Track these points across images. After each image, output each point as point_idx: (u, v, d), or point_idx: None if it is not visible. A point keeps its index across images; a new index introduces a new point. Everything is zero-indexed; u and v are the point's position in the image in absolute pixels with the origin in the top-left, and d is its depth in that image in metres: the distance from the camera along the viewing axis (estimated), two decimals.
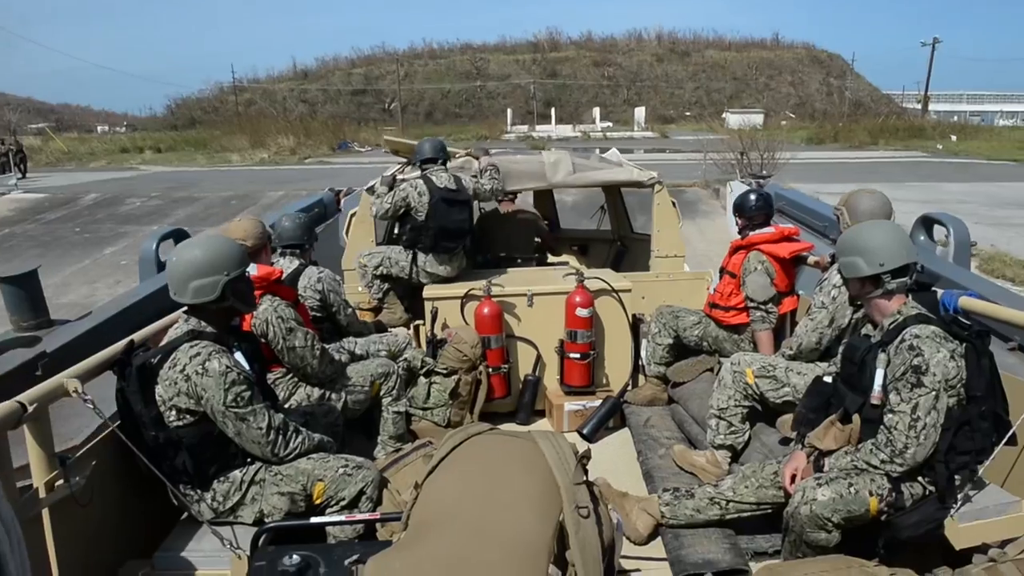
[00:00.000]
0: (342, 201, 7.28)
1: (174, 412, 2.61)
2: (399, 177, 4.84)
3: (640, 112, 62.93)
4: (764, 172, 18.54)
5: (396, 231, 5.09)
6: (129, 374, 2.62)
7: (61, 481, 2.37)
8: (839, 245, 2.83)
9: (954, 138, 40.97)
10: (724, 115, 58.18)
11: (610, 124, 60.15)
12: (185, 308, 2.78)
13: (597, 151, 6.32)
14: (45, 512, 2.32)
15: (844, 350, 2.90)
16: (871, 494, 2.60)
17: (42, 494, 2.29)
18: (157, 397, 2.61)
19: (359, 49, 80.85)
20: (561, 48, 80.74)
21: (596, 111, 64.59)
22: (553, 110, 64.44)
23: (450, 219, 4.65)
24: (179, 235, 4.88)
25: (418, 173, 4.79)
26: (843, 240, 2.80)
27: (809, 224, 5.87)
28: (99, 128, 71.65)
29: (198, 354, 2.59)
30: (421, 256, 4.73)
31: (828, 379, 2.99)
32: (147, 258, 4.70)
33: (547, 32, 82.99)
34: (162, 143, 46.53)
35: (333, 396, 3.58)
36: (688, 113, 71.16)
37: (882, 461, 2.58)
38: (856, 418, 2.74)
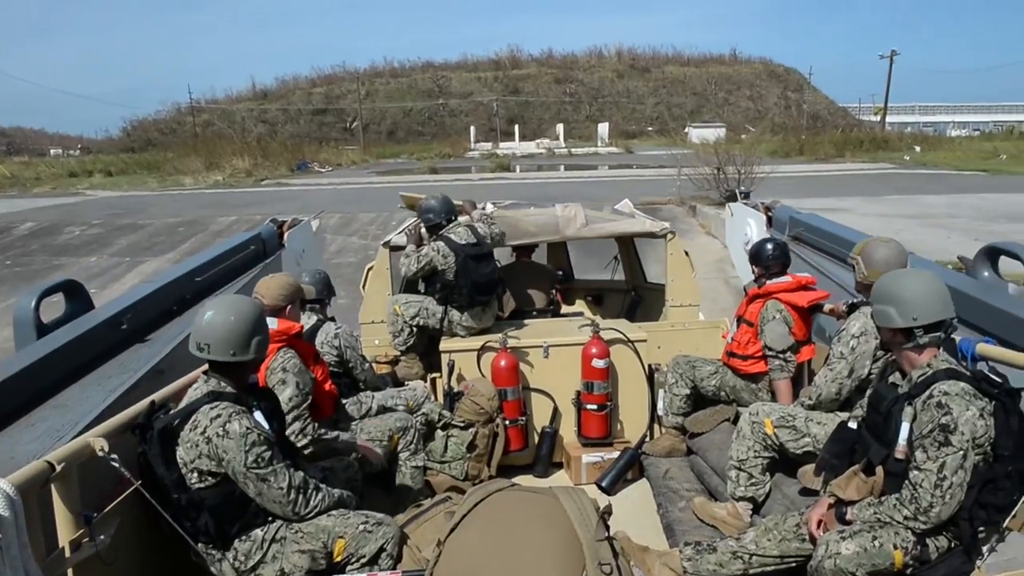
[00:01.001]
0: (286, 235, 6.23)
1: (196, 474, 2.63)
2: (422, 232, 4.89)
3: (604, 128, 63.20)
4: (742, 188, 17.84)
5: (422, 287, 5.09)
6: (151, 437, 2.64)
7: (87, 540, 2.38)
8: (875, 288, 2.79)
9: (918, 149, 41.44)
10: (687, 129, 58.38)
11: (571, 140, 59.81)
12: (205, 368, 2.82)
13: (608, 206, 6.18)
14: (70, 572, 2.32)
15: (870, 396, 2.88)
16: (896, 547, 2.59)
17: (68, 553, 2.31)
18: (179, 459, 2.63)
19: (319, 68, 79.79)
20: (522, 65, 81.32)
21: (560, 127, 64.71)
22: (516, 127, 64.51)
23: (479, 274, 4.67)
24: (70, 288, 4.32)
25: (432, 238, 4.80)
26: (879, 287, 2.76)
27: (830, 251, 5.44)
28: (52, 151, 69.39)
29: (219, 416, 2.61)
30: (456, 313, 4.73)
31: (853, 424, 2.99)
32: (24, 320, 3.86)
33: (508, 49, 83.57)
34: (113, 166, 44.70)
35: (356, 447, 3.60)
36: (650, 128, 71.86)
37: (906, 518, 2.58)
38: (879, 470, 2.73)
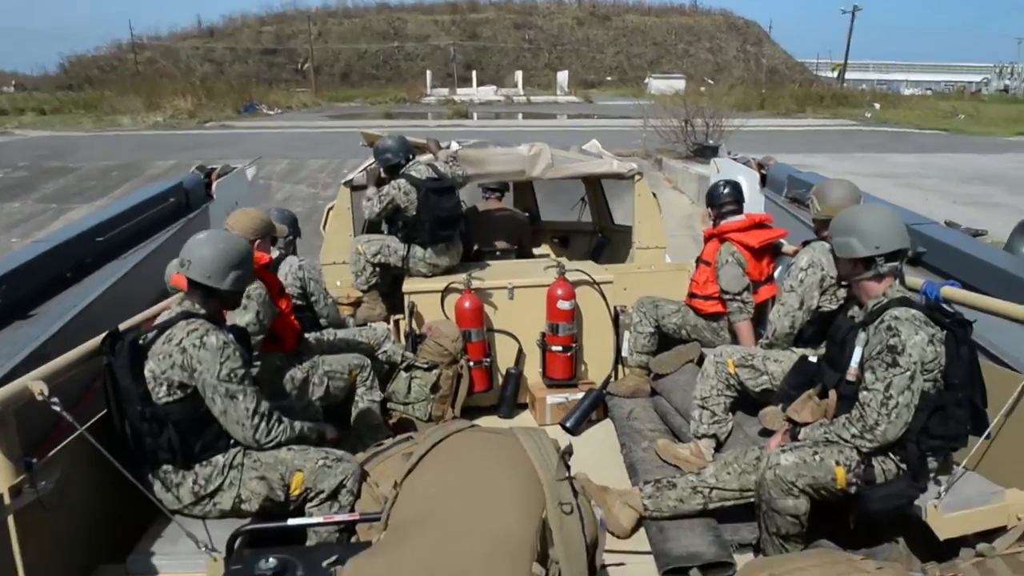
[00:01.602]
0: (215, 185, 5.42)
1: (164, 387, 2.64)
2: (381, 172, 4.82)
3: (563, 76, 62.13)
4: (711, 140, 17.30)
5: (384, 228, 5.00)
6: (120, 348, 2.63)
7: (27, 486, 2.34)
8: (833, 223, 2.85)
9: (877, 106, 41.49)
10: (647, 80, 57.58)
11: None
12: (179, 293, 2.86)
13: (577, 145, 6.04)
14: (11, 518, 2.27)
15: (830, 330, 2.97)
16: (838, 464, 2.66)
17: (7, 500, 2.26)
18: (147, 372, 2.64)
19: (269, 6, 77.04)
20: (480, 9, 79.65)
21: (518, 75, 63.44)
22: (474, 73, 63.10)
23: (441, 207, 4.59)
24: None
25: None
26: (838, 220, 2.83)
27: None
28: None
29: (195, 329, 2.64)
30: (419, 250, 4.66)
31: (813, 359, 3.08)
32: None
33: None
34: (47, 104, 42.06)
35: (315, 380, 3.59)
36: (609, 78, 70.98)
37: (852, 435, 2.66)
38: (832, 393, 2.83)
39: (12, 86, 68.08)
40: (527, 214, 6.61)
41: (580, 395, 4.46)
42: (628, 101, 35.39)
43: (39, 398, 2.32)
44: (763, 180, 5.91)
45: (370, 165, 4.95)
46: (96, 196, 15.44)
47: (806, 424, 2.86)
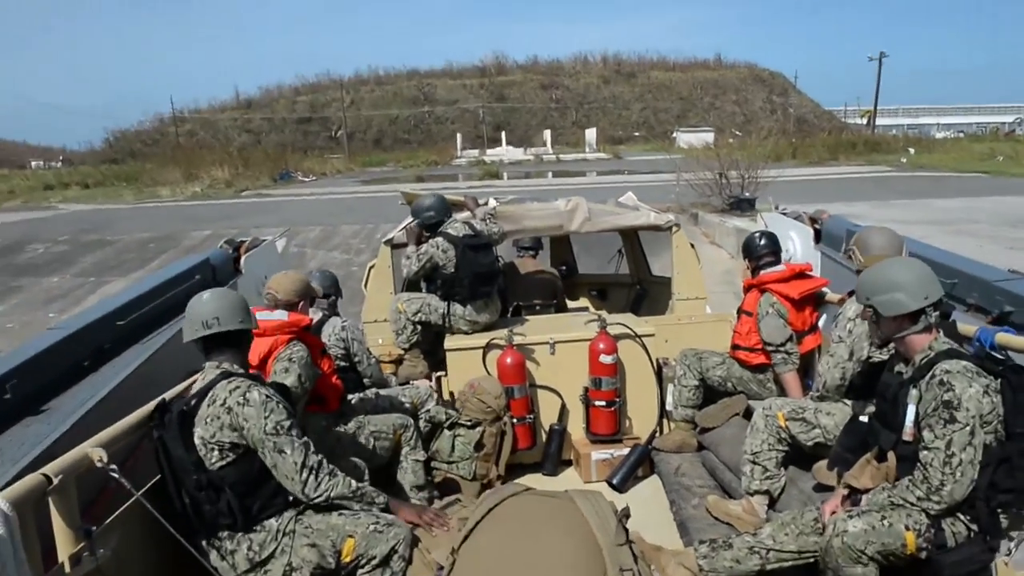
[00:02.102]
0: (243, 259, 5.23)
1: (216, 452, 2.64)
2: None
3: (591, 134, 62.72)
4: (747, 193, 16.99)
5: (423, 286, 5.03)
6: (169, 420, 2.65)
7: (87, 554, 2.32)
8: (868, 284, 2.77)
9: (912, 151, 40.91)
10: (675, 134, 57.78)
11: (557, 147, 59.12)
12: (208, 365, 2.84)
13: (613, 198, 6.07)
14: None
15: (879, 388, 2.90)
16: (907, 528, 2.56)
17: (67, 569, 2.25)
18: (197, 440, 2.65)
19: (303, 77, 79.40)
20: (508, 72, 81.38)
21: (547, 134, 64.19)
22: (503, 134, 64.01)
23: (479, 264, 4.62)
24: None
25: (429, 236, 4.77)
26: (876, 278, 2.76)
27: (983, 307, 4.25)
28: (33, 164, 67.88)
29: (237, 387, 2.66)
30: (459, 308, 4.67)
31: (864, 419, 2.99)
32: None
33: (493, 56, 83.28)
34: (91, 178, 43.52)
35: (362, 440, 3.61)
36: (637, 133, 71.46)
37: (919, 498, 2.55)
38: (891, 456, 2.73)
39: (60, 161, 70.78)
40: (564, 268, 6.64)
41: (625, 451, 4.38)
42: (657, 156, 35.32)
43: (98, 465, 2.35)
44: (817, 235, 5.57)
45: (410, 224, 4.98)
46: (133, 268, 15.60)
47: (866, 490, 2.75)
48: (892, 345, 2.89)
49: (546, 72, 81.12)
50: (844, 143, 45.44)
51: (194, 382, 2.86)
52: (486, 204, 5.27)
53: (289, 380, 3.25)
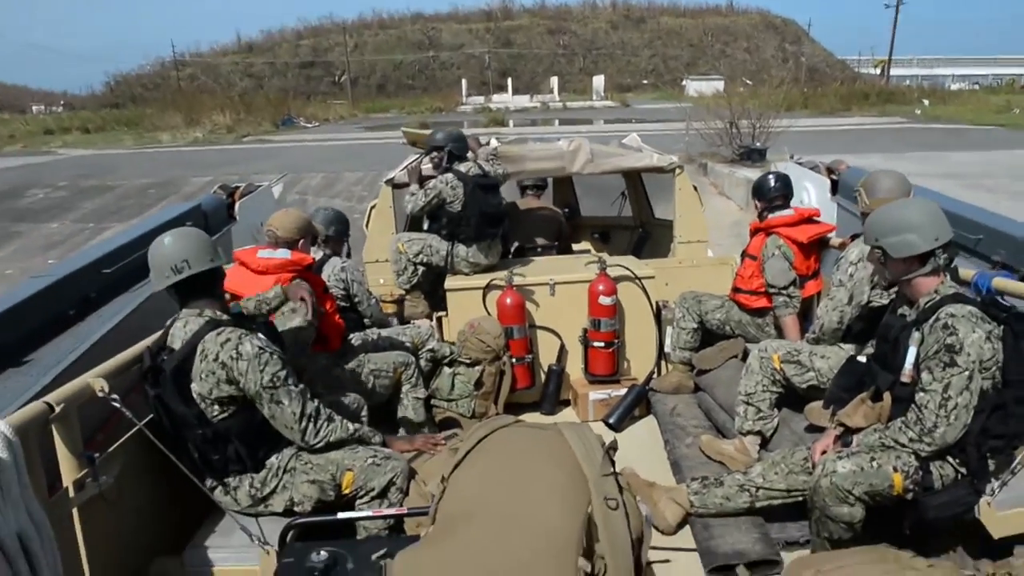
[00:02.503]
0: (237, 205, 5.04)
1: (217, 406, 2.62)
2: (423, 170, 4.82)
3: (599, 81, 61.56)
4: (757, 143, 16.59)
5: (426, 224, 5.00)
6: (164, 379, 2.59)
7: (90, 480, 2.38)
8: (878, 224, 2.72)
9: (927, 103, 40.07)
10: (683, 82, 56.69)
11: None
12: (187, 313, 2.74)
13: (618, 140, 6.08)
14: (75, 511, 2.32)
15: (880, 330, 2.87)
16: (895, 470, 2.58)
17: (71, 493, 2.30)
18: (195, 395, 2.60)
19: (306, 20, 77.87)
20: (515, 16, 79.70)
21: (553, 81, 63.13)
22: (509, 80, 62.96)
23: (488, 204, 4.58)
24: None
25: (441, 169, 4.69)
26: (886, 219, 2.70)
27: (985, 254, 4.01)
28: (34, 108, 66.94)
29: (227, 340, 2.59)
30: (462, 248, 4.64)
31: (862, 359, 2.96)
32: None
33: (500, 0, 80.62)
34: (91, 123, 42.84)
35: (362, 378, 3.62)
36: (645, 81, 70.25)
37: (910, 439, 2.56)
38: (887, 396, 2.73)
39: (61, 105, 69.92)
40: (566, 210, 6.56)
41: (623, 391, 4.42)
42: (666, 104, 34.58)
43: (100, 395, 2.39)
44: (834, 187, 5.36)
45: (412, 162, 4.93)
46: (133, 215, 15.34)
47: (859, 429, 2.77)
48: (894, 288, 2.87)
49: (553, 17, 79.50)
50: (857, 93, 44.35)
51: (167, 330, 2.73)
52: (488, 144, 5.21)
53: (298, 320, 3.26)
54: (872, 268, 3.17)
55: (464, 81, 61.99)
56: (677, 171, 5.29)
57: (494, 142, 5.35)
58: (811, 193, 5.26)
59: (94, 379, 2.41)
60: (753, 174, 13.95)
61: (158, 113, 41.90)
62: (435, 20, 78.81)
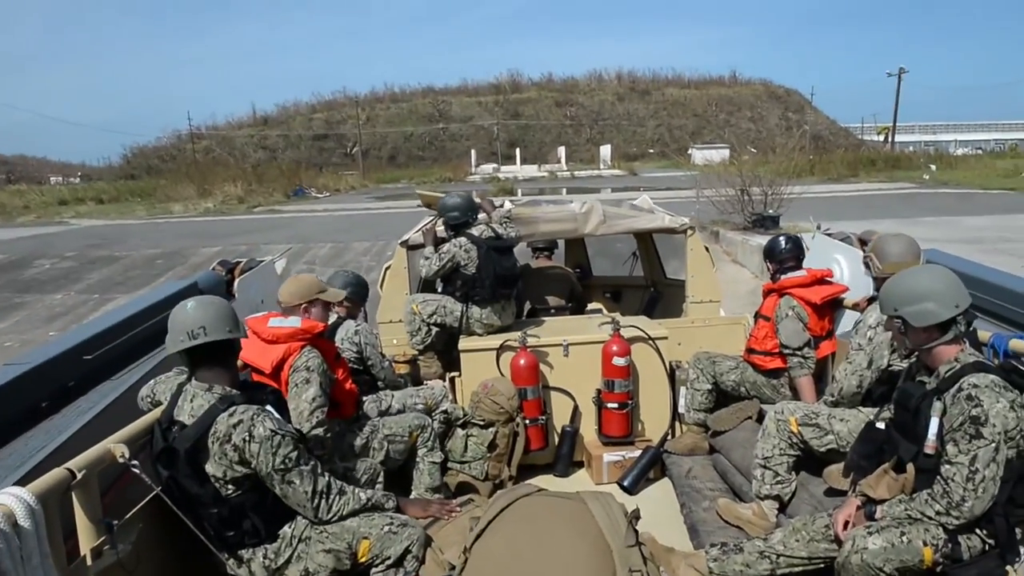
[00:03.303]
0: (236, 281, 4.77)
1: (231, 485, 2.61)
2: (438, 232, 4.86)
3: (606, 150, 62.39)
4: (770, 210, 16.42)
5: (439, 286, 4.99)
6: (179, 460, 2.56)
7: (108, 547, 2.35)
8: (896, 294, 2.70)
9: (934, 168, 40.11)
10: (690, 151, 57.32)
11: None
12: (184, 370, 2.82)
13: (628, 201, 6.07)
14: None
15: (898, 396, 2.85)
16: (925, 544, 2.53)
17: (89, 561, 2.28)
18: (210, 475, 2.59)
19: (320, 94, 79.38)
20: (523, 89, 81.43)
21: (561, 150, 63.95)
22: (517, 150, 63.79)
23: (502, 266, 4.63)
24: None
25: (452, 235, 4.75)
26: (904, 288, 2.69)
27: (987, 308, 3.90)
28: (52, 179, 68.20)
29: (240, 422, 2.57)
30: (476, 309, 4.65)
31: (881, 425, 2.93)
32: None
33: (508, 74, 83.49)
34: (105, 194, 43.45)
35: (375, 445, 3.57)
36: (651, 150, 71.11)
37: (937, 513, 2.52)
38: (910, 467, 2.68)
39: (78, 176, 71.19)
40: (578, 270, 6.61)
41: (637, 453, 4.39)
42: (673, 172, 34.70)
43: (120, 460, 2.37)
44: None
45: (426, 225, 4.99)
46: (139, 285, 15.24)
47: (882, 501, 2.72)
48: (914, 354, 2.82)
49: (561, 89, 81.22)
50: (863, 159, 44.59)
51: (174, 402, 2.70)
52: (501, 206, 5.26)
53: (311, 391, 3.21)
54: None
55: (473, 151, 62.94)
56: (689, 232, 5.32)
57: (508, 204, 5.40)
58: (843, 266, 4.98)
59: (114, 445, 2.40)
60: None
61: (171, 184, 42.43)
62: (445, 93, 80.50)
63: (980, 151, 64.46)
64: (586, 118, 77.09)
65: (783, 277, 4.24)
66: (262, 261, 5.56)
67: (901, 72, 53.19)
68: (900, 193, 29.99)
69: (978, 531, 2.52)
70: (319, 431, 3.21)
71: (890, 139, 56.89)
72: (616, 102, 79.07)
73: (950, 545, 2.51)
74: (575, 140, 73.60)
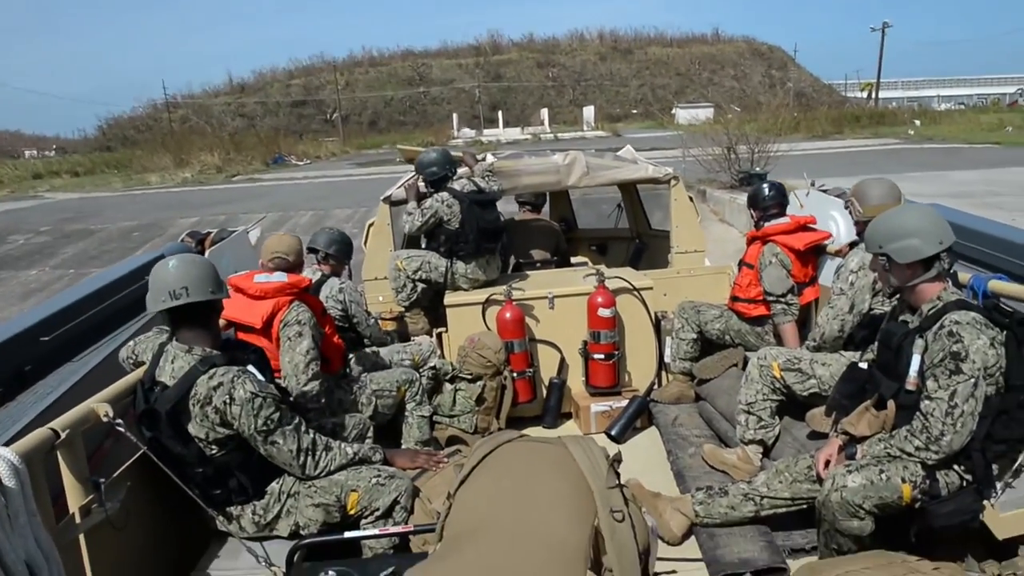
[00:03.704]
0: (207, 252, 4.54)
1: (215, 446, 2.61)
2: (420, 187, 4.83)
3: (589, 111, 61.67)
4: (757, 168, 16.21)
5: (423, 242, 4.97)
6: (160, 421, 2.56)
7: (96, 505, 2.35)
8: (881, 231, 2.72)
9: (918, 123, 40.05)
10: (674, 110, 56.81)
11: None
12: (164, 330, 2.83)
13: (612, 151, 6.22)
14: (82, 537, 2.31)
15: (880, 336, 2.88)
16: (904, 481, 2.58)
17: (78, 519, 2.28)
18: (193, 435, 2.59)
19: (297, 60, 78.01)
20: (503, 51, 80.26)
21: (544, 112, 63.24)
22: (500, 113, 63.09)
23: (485, 219, 4.61)
24: None
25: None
26: (889, 225, 2.71)
27: (988, 262, 3.93)
28: (27, 153, 66.62)
29: (220, 384, 2.55)
30: (461, 264, 4.66)
31: (863, 365, 2.96)
32: None
33: (488, 35, 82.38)
34: (80, 166, 42.47)
35: (363, 400, 3.58)
36: (635, 111, 70.48)
37: (917, 448, 2.56)
38: (891, 404, 2.73)
39: (53, 150, 69.72)
40: (563, 223, 6.59)
41: (624, 403, 4.42)
42: (658, 133, 34.39)
43: (104, 419, 2.37)
44: None
45: (408, 180, 4.95)
46: (116, 259, 14.79)
47: (864, 438, 2.77)
48: (896, 296, 2.87)
49: (542, 50, 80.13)
50: (848, 116, 44.37)
51: (155, 362, 2.68)
52: (484, 159, 5.21)
53: (304, 343, 3.23)
54: (873, 276, 3.18)
55: (455, 115, 62.12)
56: (673, 182, 5.30)
57: (490, 158, 5.35)
58: (839, 222, 4.78)
59: (98, 404, 2.40)
60: None
61: (147, 155, 41.43)
62: (425, 56, 79.27)
63: (963, 106, 64.38)
64: (568, 79, 76.24)
65: (766, 224, 4.24)
66: (234, 231, 5.29)
67: (885, 27, 52.76)
68: (886, 149, 29.87)
69: (956, 467, 2.57)
70: (315, 384, 3.23)
71: (874, 95, 56.60)
72: (598, 62, 78.15)
73: (928, 481, 2.56)
74: (558, 102, 72.80)
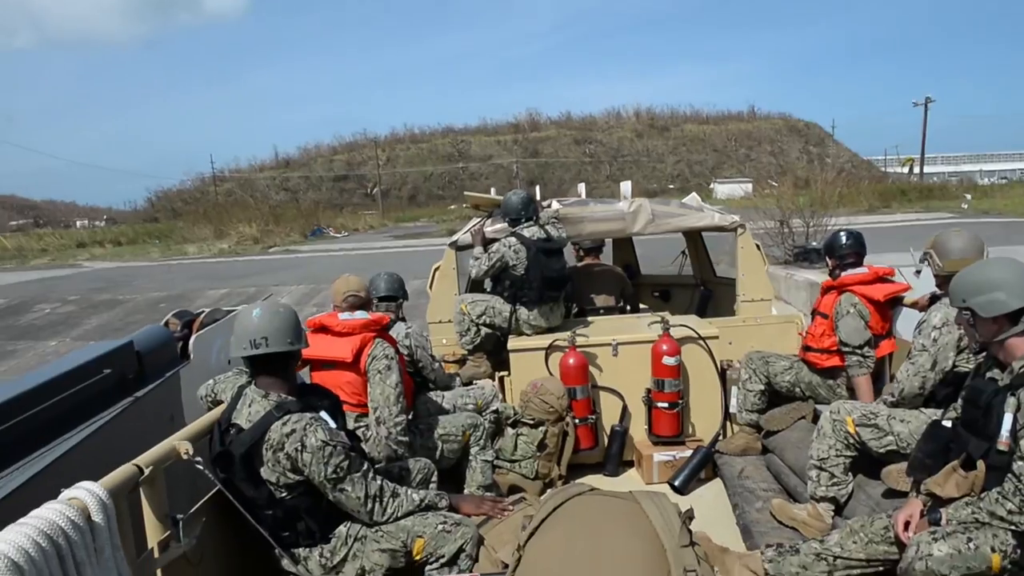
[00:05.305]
0: (193, 338, 3.78)
1: (285, 490, 2.66)
2: (487, 233, 4.91)
3: (626, 186, 60.89)
4: (813, 242, 15.21)
5: (488, 286, 5.01)
6: (234, 463, 2.63)
7: (174, 540, 2.38)
8: (964, 285, 2.67)
9: (969, 197, 38.82)
10: (712, 185, 56.43)
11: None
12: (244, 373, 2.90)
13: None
14: (159, 572, 2.33)
15: (967, 393, 2.79)
16: (993, 550, 2.45)
17: (157, 554, 2.32)
18: (264, 478, 2.63)
19: (341, 136, 79.81)
20: (541, 128, 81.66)
21: (581, 187, 63.03)
22: (537, 188, 62.86)
23: (550, 268, 4.64)
24: None
25: (507, 229, 4.79)
26: (972, 279, 2.66)
27: None
28: (78, 223, 68.77)
29: (292, 431, 2.60)
30: (524, 310, 4.67)
31: (947, 423, 2.87)
32: None
33: (527, 113, 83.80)
34: (123, 236, 43.33)
35: (429, 445, 3.60)
36: (672, 186, 70.28)
37: (1010, 511, 2.43)
38: (980, 465, 2.61)
39: (104, 220, 71.77)
40: (627, 269, 6.60)
41: (688, 453, 4.34)
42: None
43: (184, 457, 2.41)
44: None
45: (475, 225, 5.03)
46: (138, 328, 14.32)
47: (950, 500, 2.64)
48: (983, 353, 2.77)
49: (579, 127, 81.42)
50: (893, 190, 43.46)
51: (233, 404, 2.74)
52: (549, 207, 5.25)
53: (394, 376, 3.34)
54: (958, 332, 3.15)
55: (493, 189, 62.38)
56: (739, 230, 5.29)
57: (556, 204, 5.39)
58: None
59: (179, 442, 2.44)
60: (815, 276, 12.47)
61: (189, 226, 42.31)
62: (465, 133, 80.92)
63: (1006, 180, 63.02)
64: (605, 155, 77.01)
65: (844, 274, 4.16)
66: (231, 311, 4.53)
67: (928, 102, 52.15)
68: (943, 223, 28.75)
69: None
70: (405, 417, 3.33)
71: (918, 170, 55.66)
72: (635, 139, 79.03)
73: (1019, 551, 2.44)
74: (594, 177, 73.20)
